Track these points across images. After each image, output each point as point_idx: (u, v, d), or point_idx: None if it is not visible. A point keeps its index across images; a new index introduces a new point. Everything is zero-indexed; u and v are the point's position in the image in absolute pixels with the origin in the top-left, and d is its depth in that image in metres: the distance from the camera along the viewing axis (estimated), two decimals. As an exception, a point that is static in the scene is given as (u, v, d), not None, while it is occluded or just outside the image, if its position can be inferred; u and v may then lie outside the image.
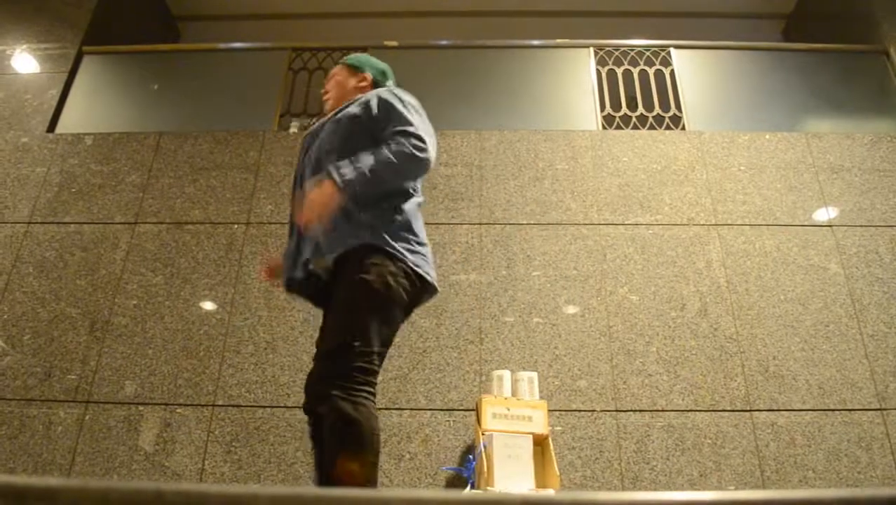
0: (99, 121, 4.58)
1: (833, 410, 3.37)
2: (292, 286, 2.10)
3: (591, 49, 4.76)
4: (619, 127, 4.42)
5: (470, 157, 4.15)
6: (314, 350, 1.97)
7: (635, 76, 4.63)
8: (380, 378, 3.45)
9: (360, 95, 2.22)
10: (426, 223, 2.18)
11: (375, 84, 2.36)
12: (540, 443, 2.95)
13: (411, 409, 3.39)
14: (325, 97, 2.38)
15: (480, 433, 2.89)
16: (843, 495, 0.78)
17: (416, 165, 1.96)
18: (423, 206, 2.18)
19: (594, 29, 5.71)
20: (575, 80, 4.68)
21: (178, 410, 3.44)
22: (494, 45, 4.93)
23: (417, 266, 1.94)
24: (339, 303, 1.89)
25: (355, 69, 2.37)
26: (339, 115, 2.14)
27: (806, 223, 3.91)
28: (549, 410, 3.22)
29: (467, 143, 4.20)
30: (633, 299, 3.67)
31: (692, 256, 3.79)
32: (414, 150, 1.94)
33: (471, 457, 3.06)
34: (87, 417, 3.43)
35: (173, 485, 0.71)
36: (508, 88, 4.65)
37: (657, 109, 4.49)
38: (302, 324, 3.64)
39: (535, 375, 3.18)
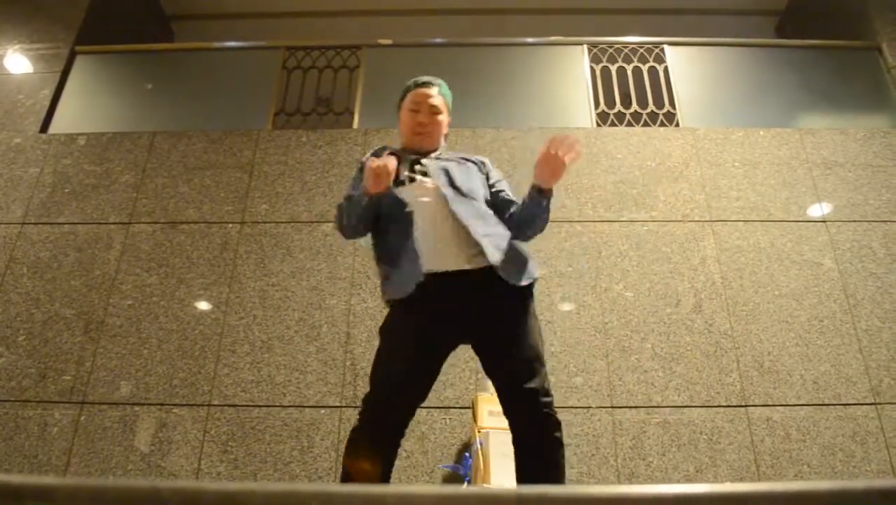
0: (92, 121, 4.57)
1: (828, 405, 3.38)
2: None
3: (585, 46, 4.77)
4: (613, 124, 4.42)
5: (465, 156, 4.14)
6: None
7: (629, 73, 4.64)
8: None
9: (469, 156, 2.26)
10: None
11: None
12: (536, 440, 2.95)
13: (408, 407, 3.38)
14: (424, 130, 2.21)
15: (476, 431, 2.89)
16: (837, 488, 0.78)
17: None
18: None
19: (588, 26, 5.72)
20: (569, 77, 4.69)
21: (174, 411, 3.43)
22: (488, 42, 4.94)
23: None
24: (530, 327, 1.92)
25: (448, 108, 2.29)
26: (452, 158, 2.19)
27: (800, 219, 3.93)
28: (546, 407, 3.22)
29: (462, 142, 4.19)
30: (629, 296, 3.68)
31: (687, 253, 3.80)
32: None
33: (467, 455, 3.06)
34: (82, 418, 3.42)
35: (170, 483, 0.71)
36: (503, 86, 4.65)
37: (651, 106, 4.50)
38: (297, 323, 3.64)
39: (531, 372, 3.17)
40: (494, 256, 1.87)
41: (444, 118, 2.24)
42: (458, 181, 2.05)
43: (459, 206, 1.96)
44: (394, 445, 1.82)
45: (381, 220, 2.06)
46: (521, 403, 1.81)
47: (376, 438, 1.77)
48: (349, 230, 2.07)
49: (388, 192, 1.98)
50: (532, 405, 1.79)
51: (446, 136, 2.32)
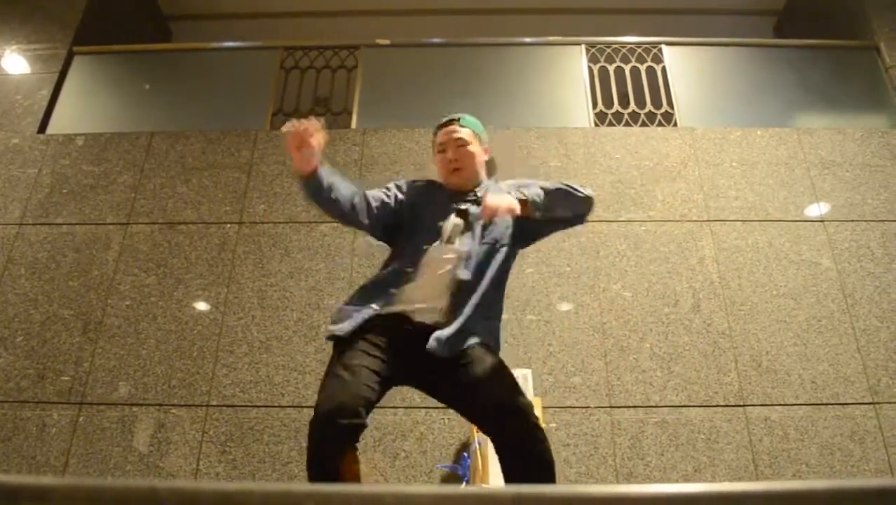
0: (90, 121, 4.57)
1: (826, 405, 3.39)
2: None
3: (583, 46, 4.77)
4: (611, 124, 4.42)
5: (463, 155, 4.14)
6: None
7: (627, 73, 4.64)
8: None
9: (502, 187, 2.13)
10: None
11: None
12: (535, 440, 2.95)
13: (406, 407, 3.38)
14: (457, 166, 2.12)
15: (475, 431, 2.89)
16: (835, 487, 0.78)
17: None
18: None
19: (586, 26, 5.71)
20: (567, 77, 4.69)
21: (173, 411, 3.43)
22: (487, 42, 4.94)
23: None
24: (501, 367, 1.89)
25: (479, 137, 2.20)
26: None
27: (798, 219, 3.93)
28: (544, 407, 3.22)
29: (460, 141, 4.19)
30: (627, 296, 3.68)
31: (685, 253, 3.80)
32: None
33: (465, 455, 3.06)
34: (80, 419, 3.41)
35: (167, 483, 0.71)
36: (501, 86, 4.65)
37: (649, 106, 4.50)
38: (296, 324, 3.64)
39: (529, 372, 3.18)
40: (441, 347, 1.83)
41: (475, 148, 2.16)
42: (492, 259, 2.00)
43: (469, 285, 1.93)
44: (352, 447, 1.73)
45: (394, 251, 2.04)
46: (507, 424, 1.75)
47: (333, 442, 1.69)
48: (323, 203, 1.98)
49: (416, 242, 1.97)
50: (518, 422, 1.74)
51: (490, 164, 2.24)
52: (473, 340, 1.88)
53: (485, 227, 2.00)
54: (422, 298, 1.90)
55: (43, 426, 3.40)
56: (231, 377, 3.51)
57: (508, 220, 2.03)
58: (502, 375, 1.87)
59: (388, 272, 1.99)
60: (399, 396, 3.41)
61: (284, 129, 1.81)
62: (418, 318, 1.88)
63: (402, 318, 1.88)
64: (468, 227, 1.99)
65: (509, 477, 1.75)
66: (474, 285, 1.93)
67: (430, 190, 2.17)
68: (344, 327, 1.86)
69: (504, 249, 2.04)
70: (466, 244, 1.97)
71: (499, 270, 2.03)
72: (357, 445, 1.73)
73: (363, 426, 1.70)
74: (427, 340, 1.82)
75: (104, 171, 4.20)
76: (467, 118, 2.22)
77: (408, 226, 2.05)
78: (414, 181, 2.20)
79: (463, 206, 2.04)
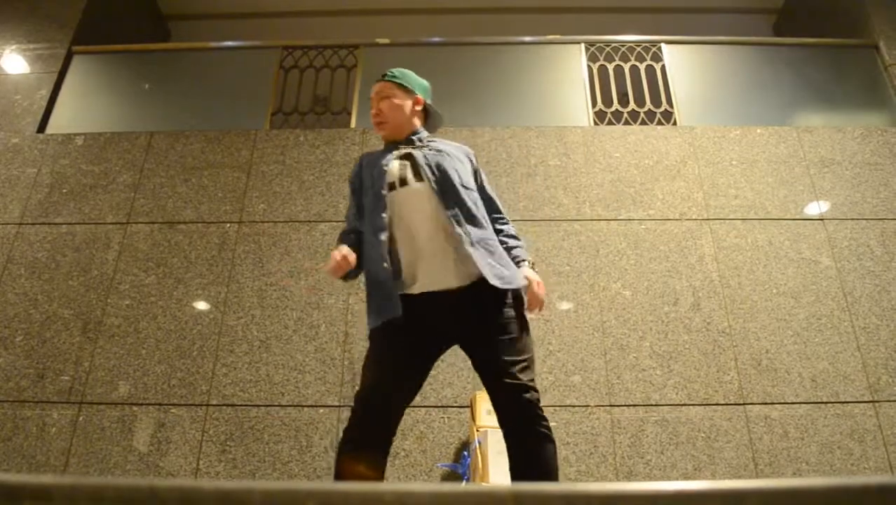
0: (90, 121, 4.56)
1: (826, 403, 3.39)
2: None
3: (583, 45, 4.77)
4: (610, 123, 4.42)
5: (462, 154, 4.15)
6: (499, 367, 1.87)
7: (626, 72, 4.64)
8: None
9: (457, 146, 2.24)
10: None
11: (425, 105, 2.27)
12: (535, 438, 2.95)
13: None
14: (379, 119, 2.18)
15: (475, 430, 2.89)
16: (834, 485, 0.78)
17: None
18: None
19: (585, 25, 5.72)
20: (566, 76, 4.69)
21: (172, 410, 3.43)
22: (486, 42, 4.93)
23: None
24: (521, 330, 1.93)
25: (407, 89, 2.22)
26: (442, 148, 2.13)
27: (797, 217, 3.93)
28: (544, 406, 3.22)
29: (459, 140, 4.19)
30: (626, 294, 3.68)
31: (684, 251, 3.80)
32: None
33: (465, 453, 3.06)
34: (80, 419, 3.41)
35: (167, 481, 0.71)
36: (500, 85, 4.65)
37: (649, 105, 4.50)
38: (296, 323, 3.64)
39: (529, 370, 3.18)
40: (494, 280, 1.88)
41: (400, 100, 2.19)
42: (451, 173, 2.04)
43: (456, 217, 1.96)
44: (384, 446, 1.82)
45: (364, 231, 2.06)
46: (508, 398, 1.84)
47: (366, 439, 1.78)
48: None
49: (372, 200, 2.03)
50: (519, 400, 1.83)
51: (423, 113, 2.28)
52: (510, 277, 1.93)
53: (434, 166, 2.05)
54: (423, 261, 1.94)
55: (43, 426, 3.40)
56: (231, 376, 3.51)
57: (458, 156, 2.14)
58: (521, 341, 1.92)
59: (369, 235, 2.01)
60: (399, 395, 3.41)
61: (324, 268, 1.99)
62: (424, 289, 1.92)
63: (412, 297, 1.92)
64: (416, 168, 2.05)
65: (509, 439, 1.85)
66: (463, 213, 1.98)
67: (377, 152, 2.21)
68: (371, 322, 1.93)
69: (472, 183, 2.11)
70: (425, 179, 2.01)
71: (468, 188, 2.07)
72: (386, 452, 1.84)
73: (397, 422, 1.85)
74: (441, 301, 1.90)
75: (104, 170, 4.20)
76: (395, 72, 2.27)
77: (366, 184, 2.11)
78: (362, 156, 2.26)
79: (405, 151, 2.11)
